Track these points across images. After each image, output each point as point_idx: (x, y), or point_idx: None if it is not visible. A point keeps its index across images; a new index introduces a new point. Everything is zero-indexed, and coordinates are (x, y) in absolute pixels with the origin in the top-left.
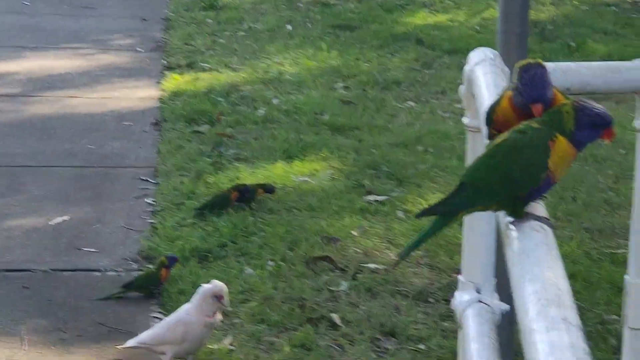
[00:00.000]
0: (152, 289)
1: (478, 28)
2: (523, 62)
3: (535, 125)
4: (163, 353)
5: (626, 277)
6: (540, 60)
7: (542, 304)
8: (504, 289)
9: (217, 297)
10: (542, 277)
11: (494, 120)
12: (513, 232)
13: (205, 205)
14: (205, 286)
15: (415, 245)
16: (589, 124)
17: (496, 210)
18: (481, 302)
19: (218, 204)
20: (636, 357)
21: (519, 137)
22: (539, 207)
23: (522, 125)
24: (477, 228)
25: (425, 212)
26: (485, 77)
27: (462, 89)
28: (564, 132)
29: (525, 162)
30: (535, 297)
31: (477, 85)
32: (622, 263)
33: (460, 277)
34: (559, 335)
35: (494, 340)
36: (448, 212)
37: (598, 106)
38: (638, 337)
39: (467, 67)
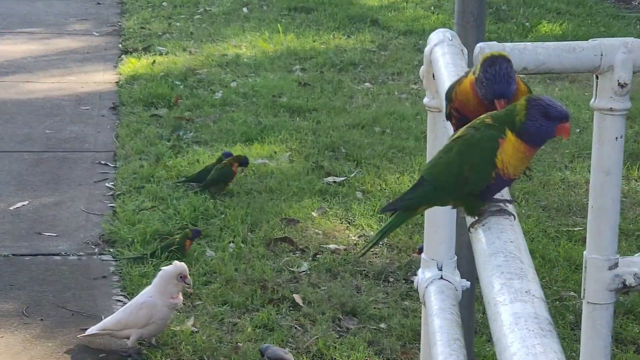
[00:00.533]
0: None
1: (432, 9)
2: (487, 54)
3: (488, 121)
4: (127, 337)
5: (585, 252)
6: (505, 54)
7: (506, 277)
8: (465, 266)
9: (182, 277)
10: (506, 250)
11: (453, 99)
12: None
13: (209, 181)
14: (167, 268)
15: (378, 240)
16: (540, 115)
17: (454, 207)
18: (443, 279)
19: (222, 179)
20: (594, 331)
21: (472, 133)
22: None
23: (477, 120)
24: (438, 207)
25: (387, 208)
26: (444, 58)
27: (422, 69)
28: (514, 126)
29: (475, 160)
30: (499, 271)
31: (437, 65)
32: (579, 240)
33: (422, 255)
34: (523, 307)
35: (456, 315)
36: (408, 207)
37: (555, 101)
38: (596, 311)
39: (426, 48)
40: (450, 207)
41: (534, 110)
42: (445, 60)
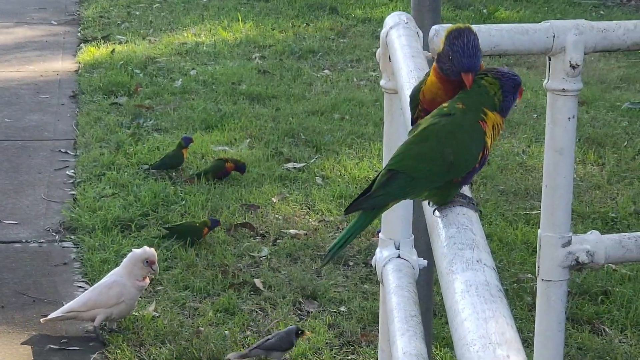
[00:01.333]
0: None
1: None
2: (452, 27)
3: (459, 105)
4: (92, 319)
5: (539, 230)
6: (470, 26)
7: (458, 247)
8: (422, 246)
9: (148, 262)
10: (458, 222)
11: (421, 100)
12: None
13: (202, 171)
14: (136, 251)
15: (342, 246)
16: (512, 89)
17: (426, 198)
18: (400, 257)
19: (215, 173)
20: (549, 308)
21: (448, 120)
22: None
23: (445, 107)
24: None
25: (352, 209)
26: (400, 40)
27: (378, 52)
28: (494, 106)
29: (462, 145)
30: (451, 242)
31: (393, 47)
32: (536, 224)
33: (380, 234)
34: (474, 275)
35: (413, 293)
36: (379, 204)
37: (508, 70)
38: (550, 288)
39: (382, 31)
40: (421, 199)
41: (507, 85)
42: (401, 42)
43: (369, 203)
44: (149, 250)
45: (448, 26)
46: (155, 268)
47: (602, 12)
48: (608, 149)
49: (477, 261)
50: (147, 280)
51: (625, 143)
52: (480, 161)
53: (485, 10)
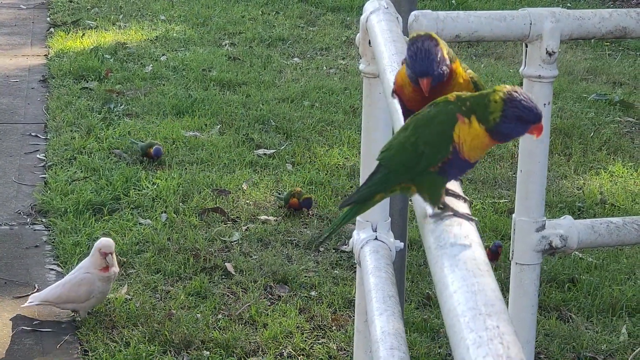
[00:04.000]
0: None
1: None
2: (413, 34)
3: (451, 98)
4: (70, 310)
5: (514, 215)
6: (431, 33)
7: (446, 224)
8: (397, 231)
9: (102, 254)
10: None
11: (395, 89)
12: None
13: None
14: (97, 241)
15: (333, 231)
16: (516, 118)
17: (417, 191)
18: (378, 239)
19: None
20: (522, 291)
21: (430, 110)
22: (460, 205)
23: (440, 99)
24: (372, 169)
25: (344, 203)
26: (380, 25)
27: (357, 37)
28: (485, 120)
29: (431, 131)
30: (439, 218)
31: (373, 32)
32: (504, 212)
33: (357, 217)
34: (463, 249)
35: (390, 274)
36: (363, 198)
37: (530, 101)
38: (523, 272)
39: (362, 16)
40: (409, 196)
41: (510, 112)
42: (382, 27)
43: (356, 197)
44: (103, 241)
45: (426, 12)
46: (109, 260)
47: (569, 5)
48: (575, 140)
49: (465, 236)
50: (113, 270)
51: (592, 134)
52: (453, 155)
53: (453, 1)
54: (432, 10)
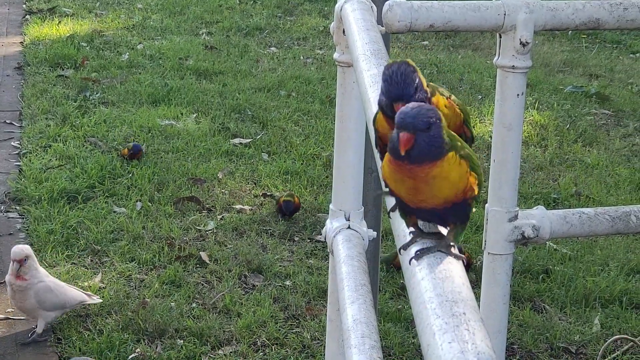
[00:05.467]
0: None
1: None
2: (390, 61)
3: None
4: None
5: (486, 205)
6: (407, 60)
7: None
8: (371, 221)
9: (12, 261)
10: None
11: (375, 126)
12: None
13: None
14: None
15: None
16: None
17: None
18: (350, 228)
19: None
20: (494, 281)
21: None
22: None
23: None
24: (345, 157)
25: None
26: (354, 14)
27: (332, 25)
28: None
29: None
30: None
31: (347, 21)
32: (480, 202)
33: (330, 205)
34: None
35: (363, 263)
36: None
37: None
38: (496, 262)
39: (337, 5)
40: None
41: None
42: (355, 16)
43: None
44: (14, 248)
45: (402, 2)
46: (22, 270)
47: None
48: (551, 131)
49: (435, 233)
50: (23, 280)
51: (568, 126)
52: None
53: None
54: (407, 0)
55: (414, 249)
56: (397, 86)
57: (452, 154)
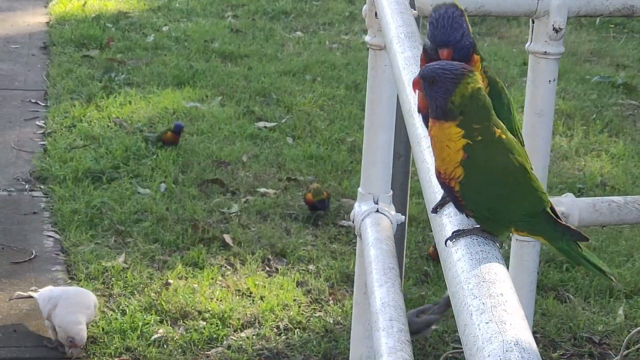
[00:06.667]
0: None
1: None
2: (437, 3)
3: None
4: None
5: None
6: (456, 3)
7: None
8: (398, 206)
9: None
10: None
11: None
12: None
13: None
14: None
15: None
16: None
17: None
18: (379, 212)
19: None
20: (522, 267)
21: None
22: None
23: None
24: (376, 140)
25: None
26: None
27: (364, 8)
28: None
29: None
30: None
31: (380, 3)
32: None
33: (359, 189)
34: (466, 219)
35: (391, 246)
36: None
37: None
38: (523, 248)
39: None
40: None
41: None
42: None
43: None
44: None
45: None
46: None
47: None
48: (577, 121)
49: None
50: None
51: (594, 116)
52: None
53: None
54: None
55: (449, 229)
56: (444, 30)
57: (453, 124)
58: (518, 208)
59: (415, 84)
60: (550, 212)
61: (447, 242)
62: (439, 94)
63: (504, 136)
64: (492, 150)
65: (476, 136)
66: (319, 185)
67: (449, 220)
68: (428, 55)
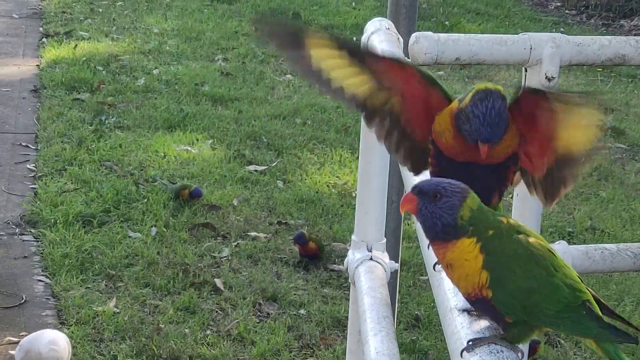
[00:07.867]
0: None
1: (354, 4)
2: (481, 86)
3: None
4: None
5: None
6: (500, 88)
7: None
8: (390, 252)
9: None
10: None
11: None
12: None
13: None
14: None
15: None
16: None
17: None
18: (373, 259)
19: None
20: None
21: None
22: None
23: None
24: (369, 189)
25: None
26: (382, 45)
27: None
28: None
29: None
30: None
31: (375, 50)
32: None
33: (353, 236)
34: None
35: (385, 295)
36: None
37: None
38: None
39: (363, 37)
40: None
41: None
42: (383, 47)
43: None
44: None
45: (428, 34)
46: None
47: (562, 29)
48: None
49: None
50: None
51: (583, 159)
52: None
53: (447, 22)
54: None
55: (464, 336)
56: (490, 129)
57: (464, 238)
58: (553, 302)
59: (407, 202)
60: (592, 306)
61: (463, 353)
62: (444, 210)
63: (512, 221)
64: (507, 239)
65: (487, 233)
66: (311, 236)
67: (461, 327)
68: (461, 134)
